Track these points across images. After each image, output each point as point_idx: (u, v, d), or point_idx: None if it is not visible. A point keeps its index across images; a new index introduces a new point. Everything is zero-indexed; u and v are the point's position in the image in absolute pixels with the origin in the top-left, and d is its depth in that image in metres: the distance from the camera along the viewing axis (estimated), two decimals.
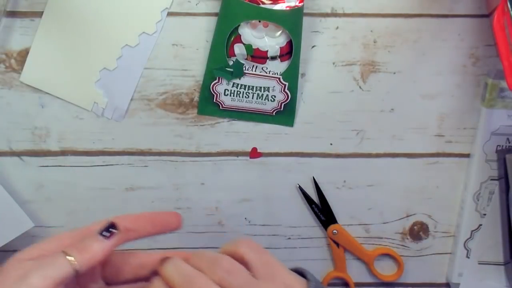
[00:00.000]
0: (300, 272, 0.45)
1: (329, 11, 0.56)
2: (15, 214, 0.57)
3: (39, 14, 0.55)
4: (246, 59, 0.56)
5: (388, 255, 0.63)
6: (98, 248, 0.41)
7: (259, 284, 0.41)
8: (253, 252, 0.43)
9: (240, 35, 0.56)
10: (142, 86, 0.58)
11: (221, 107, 0.58)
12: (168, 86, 0.58)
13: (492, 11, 0.54)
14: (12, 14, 0.56)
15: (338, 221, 0.61)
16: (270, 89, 0.57)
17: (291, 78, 0.57)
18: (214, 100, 0.58)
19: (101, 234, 0.42)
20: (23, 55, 0.56)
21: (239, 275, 0.41)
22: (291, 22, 0.55)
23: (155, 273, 0.43)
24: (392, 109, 0.59)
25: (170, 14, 0.56)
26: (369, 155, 0.60)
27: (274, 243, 0.62)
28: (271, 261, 0.43)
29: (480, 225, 0.61)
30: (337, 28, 0.57)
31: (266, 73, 0.57)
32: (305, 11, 0.55)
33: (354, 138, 0.60)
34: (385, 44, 0.57)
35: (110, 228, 0.42)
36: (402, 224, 0.63)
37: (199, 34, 0.56)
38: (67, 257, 0.40)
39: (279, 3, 0.54)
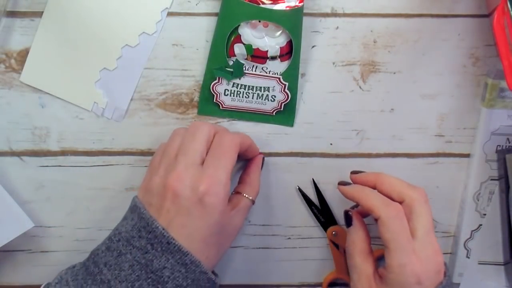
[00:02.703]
0: None
1: (329, 11, 0.56)
2: (15, 214, 0.57)
3: (39, 14, 0.55)
4: (246, 59, 0.56)
5: None
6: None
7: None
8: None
9: (240, 35, 0.56)
10: (142, 86, 0.58)
11: (221, 107, 0.58)
12: (168, 86, 0.58)
13: (492, 11, 0.54)
14: (12, 14, 0.56)
15: (338, 222, 0.61)
16: (270, 89, 0.57)
17: (291, 78, 0.57)
18: (214, 100, 0.58)
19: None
20: (23, 55, 0.56)
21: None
22: (291, 22, 0.55)
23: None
24: (392, 109, 0.59)
25: (170, 14, 0.56)
26: (369, 155, 0.60)
27: (274, 243, 0.62)
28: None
29: (480, 225, 0.60)
30: (337, 28, 0.57)
31: (266, 73, 0.57)
32: (305, 11, 0.55)
33: (354, 138, 0.60)
34: (385, 44, 0.57)
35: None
36: None
37: (199, 34, 0.56)
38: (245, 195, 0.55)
39: (279, 3, 0.54)
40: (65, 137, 0.59)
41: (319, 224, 0.61)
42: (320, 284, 0.63)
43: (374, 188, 0.53)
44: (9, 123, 0.58)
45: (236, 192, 0.56)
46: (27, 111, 0.58)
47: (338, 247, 0.61)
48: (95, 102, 0.57)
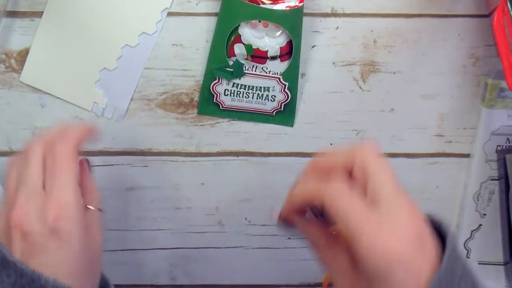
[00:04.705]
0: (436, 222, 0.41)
1: (329, 11, 0.56)
2: None
3: (39, 14, 0.55)
4: (246, 59, 0.56)
5: None
6: None
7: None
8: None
9: (240, 35, 0.56)
10: (142, 86, 0.58)
11: (221, 107, 0.58)
12: (168, 86, 0.58)
13: (492, 11, 0.54)
14: (12, 14, 0.56)
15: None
16: (270, 89, 0.57)
17: (291, 78, 0.57)
18: (214, 100, 0.58)
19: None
20: (23, 55, 0.56)
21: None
22: (291, 22, 0.55)
23: None
24: (392, 109, 0.59)
25: (170, 14, 0.56)
26: None
27: (274, 243, 0.62)
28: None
29: (480, 225, 0.61)
30: (337, 28, 0.57)
31: (266, 73, 0.57)
32: (305, 11, 0.55)
33: (354, 138, 0.60)
34: (385, 44, 0.57)
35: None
36: None
37: (199, 34, 0.56)
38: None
39: (279, 3, 0.54)
40: None
41: None
42: (320, 284, 0.63)
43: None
44: (9, 123, 0.58)
45: None
46: (27, 111, 0.58)
47: None
48: (95, 102, 0.57)
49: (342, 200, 0.38)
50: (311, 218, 0.44)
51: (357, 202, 0.38)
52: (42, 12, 0.55)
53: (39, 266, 0.40)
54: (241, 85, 0.57)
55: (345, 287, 0.39)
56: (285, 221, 0.44)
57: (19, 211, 0.41)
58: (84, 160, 0.49)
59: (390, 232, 0.36)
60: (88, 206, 0.46)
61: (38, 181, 0.43)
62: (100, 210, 0.46)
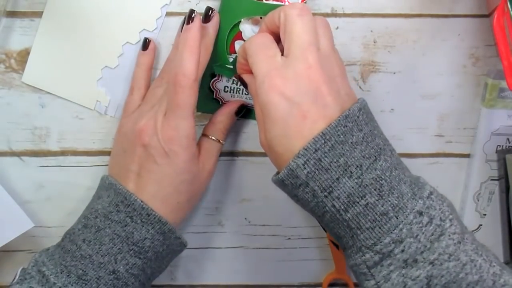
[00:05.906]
0: None
1: (329, 11, 0.56)
2: (15, 214, 0.57)
3: (39, 14, 0.55)
4: None
5: None
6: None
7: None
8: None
9: (240, 32, 0.56)
10: None
11: (221, 104, 0.58)
12: None
13: (492, 11, 0.55)
14: (12, 14, 0.56)
15: None
16: None
17: None
18: (214, 97, 0.58)
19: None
20: (23, 55, 0.56)
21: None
22: None
23: None
24: (392, 109, 0.59)
25: (170, 14, 0.56)
26: None
27: (274, 243, 0.62)
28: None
29: (480, 225, 0.60)
30: (337, 28, 0.57)
31: None
32: None
33: None
34: (385, 44, 0.57)
35: None
36: None
37: None
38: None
39: (280, 2, 0.54)
40: (65, 137, 0.59)
41: (319, 224, 0.61)
42: (320, 284, 0.63)
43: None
44: (9, 123, 0.58)
45: (203, 134, 0.57)
46: (27, 111, 0.58)
47: (338, 247, 0.61)
48: (97, 101, 0.57)
49: (255, 46, 0.47)
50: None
51: (266, 52, 0.47)
52: (42, 12, 0.55)
53: (148, 172, 0.51)
54: None
55: (261, 130, 0.47)
56: (239, 77, 0.53)
57: (146, 125, 0.51)
58: (237, 102, 0.57)
59: (283, 76, 0.44)
60: (206, 134, 0.56)
61: (164, 110, 0.51)
62: (219, 141, 0.56)
